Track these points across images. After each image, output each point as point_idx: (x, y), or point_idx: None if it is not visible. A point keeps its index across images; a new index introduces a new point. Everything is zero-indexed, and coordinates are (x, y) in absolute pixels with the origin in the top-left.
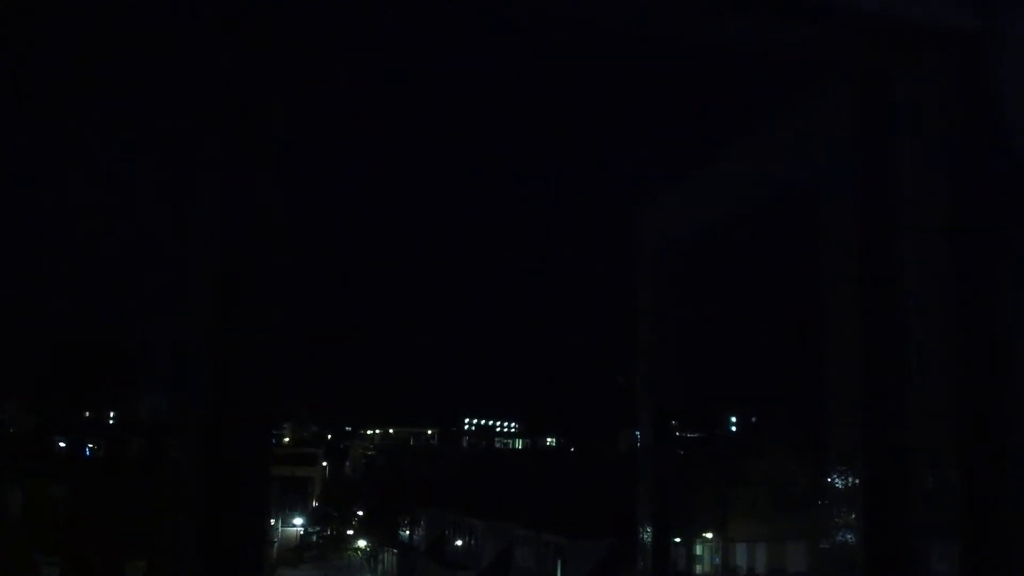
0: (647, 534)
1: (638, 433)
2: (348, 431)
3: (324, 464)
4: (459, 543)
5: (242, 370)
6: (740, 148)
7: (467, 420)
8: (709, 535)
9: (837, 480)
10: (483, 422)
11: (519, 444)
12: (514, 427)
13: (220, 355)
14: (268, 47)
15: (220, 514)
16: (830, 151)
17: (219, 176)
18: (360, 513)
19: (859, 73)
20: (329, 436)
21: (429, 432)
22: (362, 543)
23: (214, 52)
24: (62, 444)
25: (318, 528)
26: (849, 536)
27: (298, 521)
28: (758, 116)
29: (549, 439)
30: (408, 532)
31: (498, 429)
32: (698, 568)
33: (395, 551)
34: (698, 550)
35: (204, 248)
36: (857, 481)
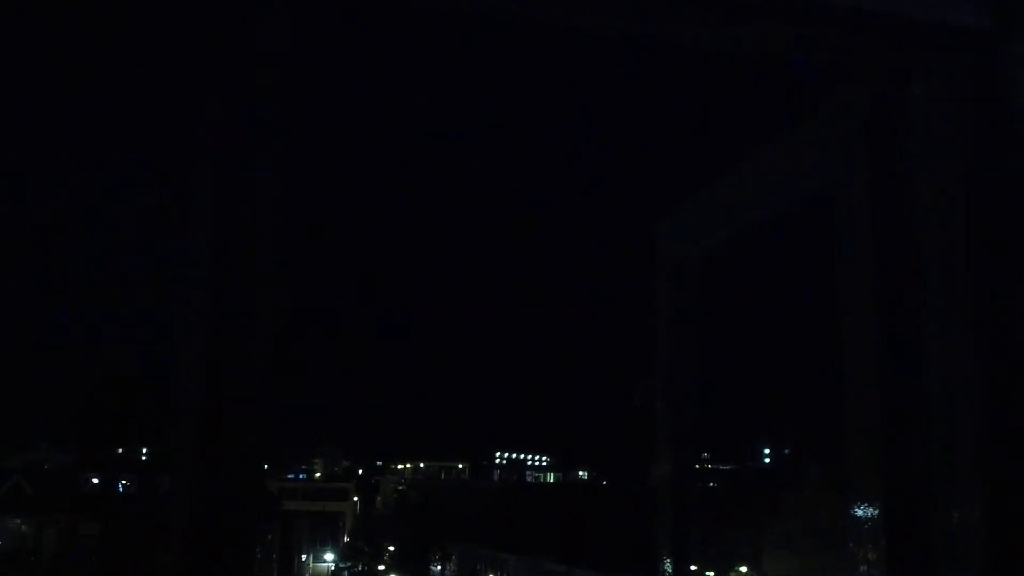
0: (665, 568)
1: (656, 458)
2: (379, 466)
3: (355, 499)
4: None
5: (233, 404)
6: (758, 158)
7: (498, 454)
8: (744, 568)
9: (859, 513)
10: (514, 456)
11: (550, 478)
12: (545, 460)
13: (211, 387)
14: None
15: (205, 553)
16: (845, 159)
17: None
18: (391, 548)
19: (872, 78)
20: (360, 471)
21: (460, 466)
22: None
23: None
24: (95, 480)
25: (349, 564)
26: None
27: (329, 557)
28: (773, 125)
29: (581, 472)
30: (440, 568)
31: (529, 463)
32: None
33: None
34: None
35: (192, 289)
36: (877, 514)
